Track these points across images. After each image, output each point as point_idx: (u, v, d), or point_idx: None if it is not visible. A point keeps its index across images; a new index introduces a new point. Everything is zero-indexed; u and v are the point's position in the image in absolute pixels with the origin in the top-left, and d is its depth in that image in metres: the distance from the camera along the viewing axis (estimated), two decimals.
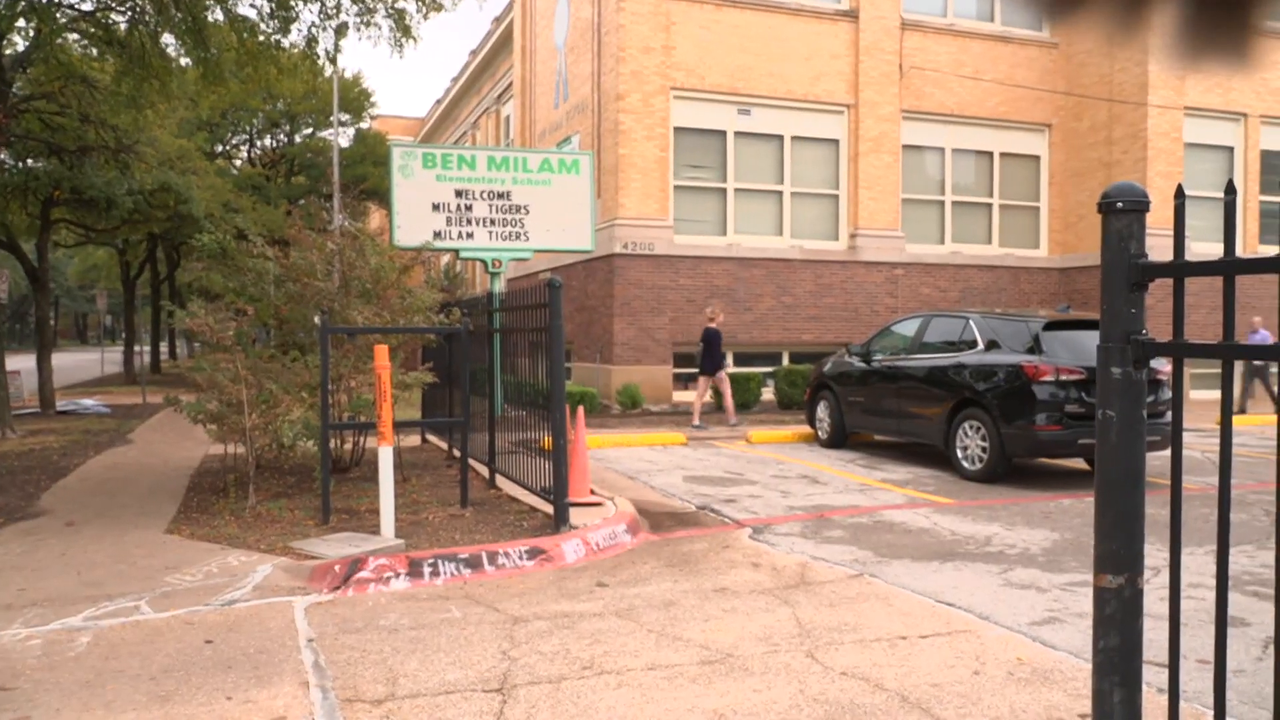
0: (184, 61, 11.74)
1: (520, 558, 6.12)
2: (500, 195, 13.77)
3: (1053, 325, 9.65)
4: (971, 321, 10.33)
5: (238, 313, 8.60)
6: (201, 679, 4.12)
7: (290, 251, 9.12)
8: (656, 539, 6.98)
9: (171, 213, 18.95)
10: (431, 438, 12.16)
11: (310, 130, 31.04)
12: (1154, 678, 3.78)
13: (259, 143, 31.84)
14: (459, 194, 13.60)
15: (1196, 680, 3.90)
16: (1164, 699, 2.21)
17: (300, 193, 30.21)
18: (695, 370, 14.91)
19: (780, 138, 17.60)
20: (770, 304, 17.26)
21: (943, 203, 18.70)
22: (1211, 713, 2.24)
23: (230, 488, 8.18)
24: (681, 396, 16.99)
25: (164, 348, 39.28)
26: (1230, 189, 2.01)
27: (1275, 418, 1.98)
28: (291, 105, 28.77)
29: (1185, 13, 0.69)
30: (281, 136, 31.37)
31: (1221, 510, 2.07)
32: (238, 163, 32.47)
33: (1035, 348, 9.43)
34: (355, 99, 30.92)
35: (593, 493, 8.08)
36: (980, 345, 10.01)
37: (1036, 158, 19.64)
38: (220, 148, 30.61)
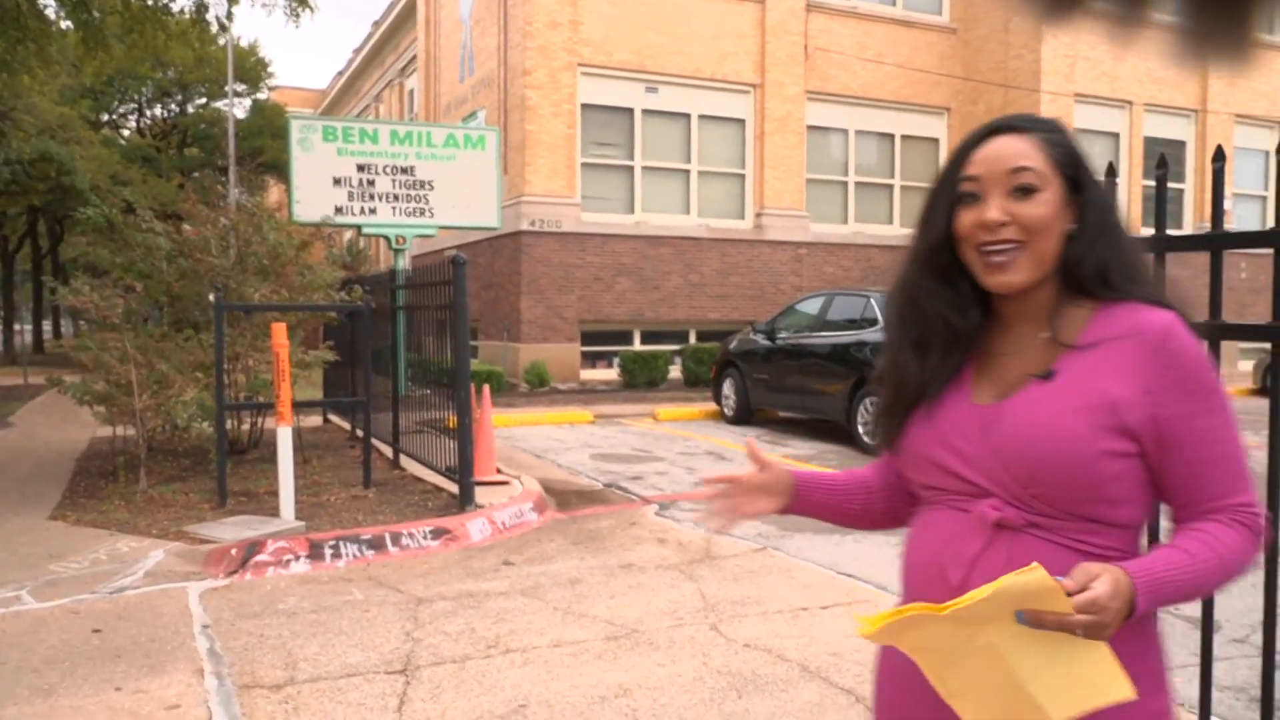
0: (65, 24, 11.14)
1: (425, 538, 6.05)
2: (404, 170, 13.49)
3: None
4: (873, 300, 10.57)
5: (126, 290, 8.25)
6: (89, 670, 3.97)
7: (184, 226, 8.78)
8: (563, 517, 6.99)
9: (53, 184, 18.04)
10: (334, 418, 11.92)
11: (204, 100, 29.88)
12: None
13: (149, 112, 30.53)
14: (361, 169, 13.27)
15: None
16: None
17: (194, 165, 29.08)
18: (605, 348, 14.93)
19: (687, 116, 17.65)
20: (678, 282, 17.36)
21: (846, 183, 19.05)
22: None
23: (120, 471, 7.87)
24: (589, 375, 17.00)
25: (47, 326, 37.51)
26: (1110, 172, 2.09)
27: None
28: (183, 74, 27.64)
29: (1185, 13, 0.70)
30: (173, 106, 30.13)
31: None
32: (126, 133, 31.07)
33: None
34: (252, 69, 29.88)
35: (499, 471, 8.03)
36: (881, 323, 10.25)
37: (936, 140, 20.14)
38: (106, 116, 29.24)
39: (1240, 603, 4.86)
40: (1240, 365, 20.47)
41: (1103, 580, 1.17)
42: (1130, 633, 1.26)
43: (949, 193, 1.41)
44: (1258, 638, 3.95)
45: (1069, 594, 1.15)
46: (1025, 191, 1.35)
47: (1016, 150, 1.36)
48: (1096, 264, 1.35)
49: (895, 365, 1.49)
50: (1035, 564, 1.16)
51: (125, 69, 24.39)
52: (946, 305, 1.43)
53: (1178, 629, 4.47)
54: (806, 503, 1.63)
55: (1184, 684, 3.83)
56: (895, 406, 1.48)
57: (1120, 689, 1.18)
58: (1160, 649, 1.39)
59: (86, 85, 25.23)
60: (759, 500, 1.60)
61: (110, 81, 26.61)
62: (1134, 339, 1.31)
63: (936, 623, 1.20)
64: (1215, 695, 3.60)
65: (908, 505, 1.57)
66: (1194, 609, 4.68)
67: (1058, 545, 1.31)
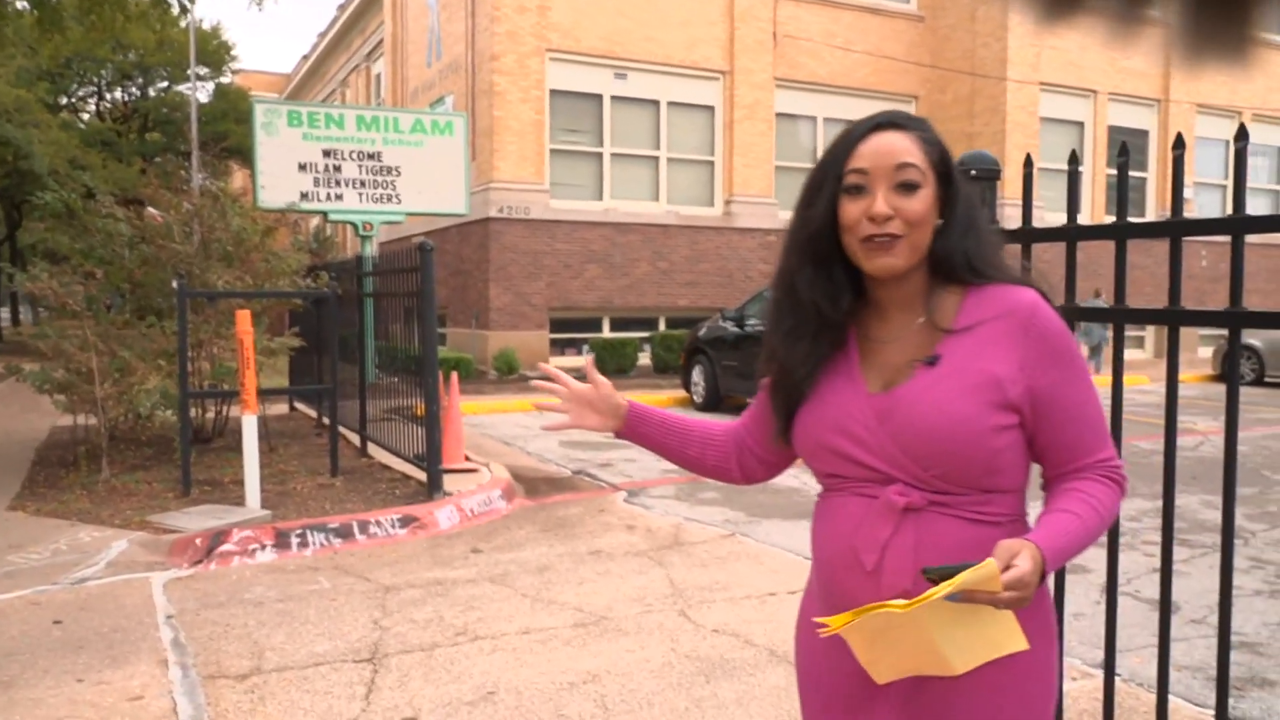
0: (21, 4, 10.90)
1: (392, 526, 6.02)
2: (371, 156, 13.36)
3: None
4: None
5: (86, 276, 8.12)
6: (49, 662, 3.91)
7: (146, 211, 8.64)
8: (532, 504, 6.98)
9: (10, 168, 17.70)
10: (300, 406, 11.81)
11: (166, 84, 29.36)
12: None
13: (109, 95, 29.96)
14: (327, 154, 13.13)
15: None
16: None
17: (156, 150, 28.62)
18: (574, 335, 14.88)
19: (657, 103, 17.61)
20: (646, 269, 17.35)
21: None
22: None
23: (81, 461, 7.75)
24: (558, 362, 16.95)
25: (5, 314, 36.85)
26: (1074, 159, 2.11)
27: (1119, 379, 2.11)
28: (144, 56, 27.13)
29: (1185, 13, 0.70)
30: (134, 89, 29.58)
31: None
32: (85, 116, 30.49)
33: None
34: (214, 52, 29.40)
35: (467, 459, 8.00)
36: None
37: None
38: (65, 100, 28.69)
39: (1199, 584, 4.96)
40: (1200, 352, 20.82)
41: (1023, 557, 1.27)
42: None
43: (833, 183, 1.46)
44: (1215, 618, 4.02)
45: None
46: (909, 187, 1.41)
47: (902, 147, 1.43)
48: (964, 255, 1.44)
49: (771, 354, 1.55)
50: (990, 560, 1.26)
51: (84, 51, 23.91)
52: (820, 293, 1.48)
53: (1139, 611, 4.54)
54: (637, 432, 1.73)
55: (1143, 664, 3.90)
56: (778, 396, 1.55)
57: (1017, 642, 1.32)
58: (1049, 603, 1.51)
59: (44, 67, 24.72)
60: (588, 415, 1.71)
61: (68, 64, 26.09)
62: (1006, 318, 1.41)
63: (894, 619, 1.27)
64: (1173, 675, 3.67)
65: (748, 468, 1.71)
66: (1154, 591, 4.76)
67: (959, 519, 1.41)
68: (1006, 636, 1.31)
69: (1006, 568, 1.26)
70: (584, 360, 1.79)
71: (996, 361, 1.40)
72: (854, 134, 1.46)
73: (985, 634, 1.31)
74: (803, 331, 1.50)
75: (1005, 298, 1.43)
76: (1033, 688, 1.45)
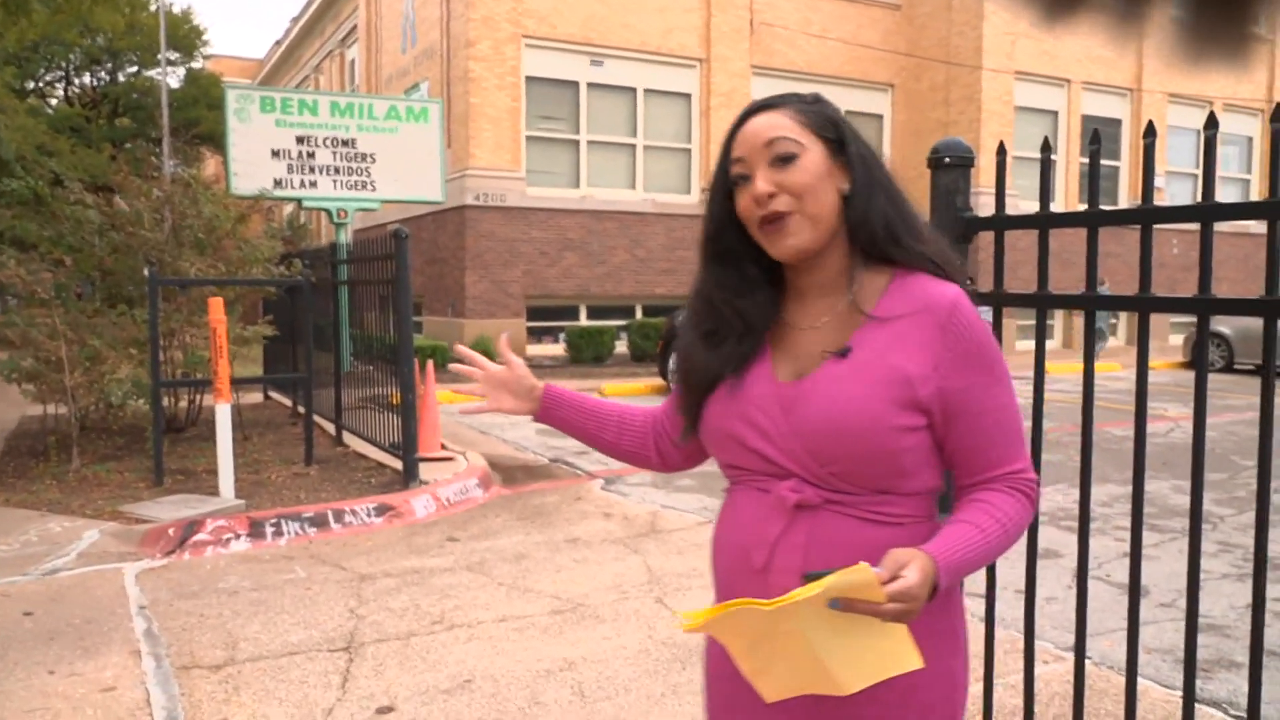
0: None
1: (368, 515, 6.00)
2: (345, 143, 13.24)
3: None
4: None
5: (55, 263, 8.01)
6: (20, 653, 3.87)
7: (115, 199, 8.53)
8: (509, 492, 6.97)
9: None
10: (275, 395, 11.72)
11: (135, 69, 28.93)
12: (977, 607, 4.05)
13: (77, 80, 29.51)
14: (300, 140, 12.99)
15: (1014, 608, 4.20)
16: (984, 628, 2.36)
17: (126, 136, 28.21)
18: (551, 323, 14.85)
19: (633, 90, 17.55)
20: (624, 257, 17.32)
21: None
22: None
23: (51, 450, 7.66)
24: (535, 350, 16.92)
25: None
26: (1046, 147, 2.12)
27: (1097, 366, 2.12)
28: (113, 41, 26.72)
29: (1185, 13, 0.70)
30: (103, 74, 29.14)
31: (1034, 450, 2.21)
32: (53, 102, 30.01)
33: None
34: (185, 36, 29.00)
35: (444, 447, 7.98)
36: None
37: (880, 116, 20.29)
38: (32, 84, 28.22)
39: (1168, 568, 5.03)
40: (1171, 339, 21.07)
41: (912, 569, 1.20)
42: (933, 602, 1.32)
43: (723, 182, 1.43)
44: (1184, 602, 4.09)
45: (882, 583, 1.19)
46: (785, 160, 1.37)
47: (770, 124, 1.39)
48: (882, 220, 1.37)
49: (686, 356, 1.50)
50: (864, 564, 1.19)
51: (51, 35, 23.49)
52: (733, 292, 1.44)
53: (1109, 595, 4.60)
54: (553, 416, 1.68)
55: (1114, 648, 3.95)
56: (689, 396, 1.50)
57: (911, 660, 1.23)
58: (959, 612, 1.45)
59: (10, 51, 24.28)
60: (504, 398, 1.66)
61: (35, 48, 25.64)
62: (924, 314, 1.34)
63: (757, 616, 1.21)
64: (1143, 657, 3.73)
65: (666, 455, 1.65)
66: (1124, 575, 4.82)
67: (855, 519, 1.34)
68: (899, 653, 1.24)
69: (895, 578, 1.19)
70: (502, 341, 1.77)
71: (908, 358, 1.33)
72: (731, 129, 1.43)
73: (874, 648, 1.24)
74: (724, 333, 1.45)
75: (927, 292, 1.35)
76: (935, 700, 1.38)
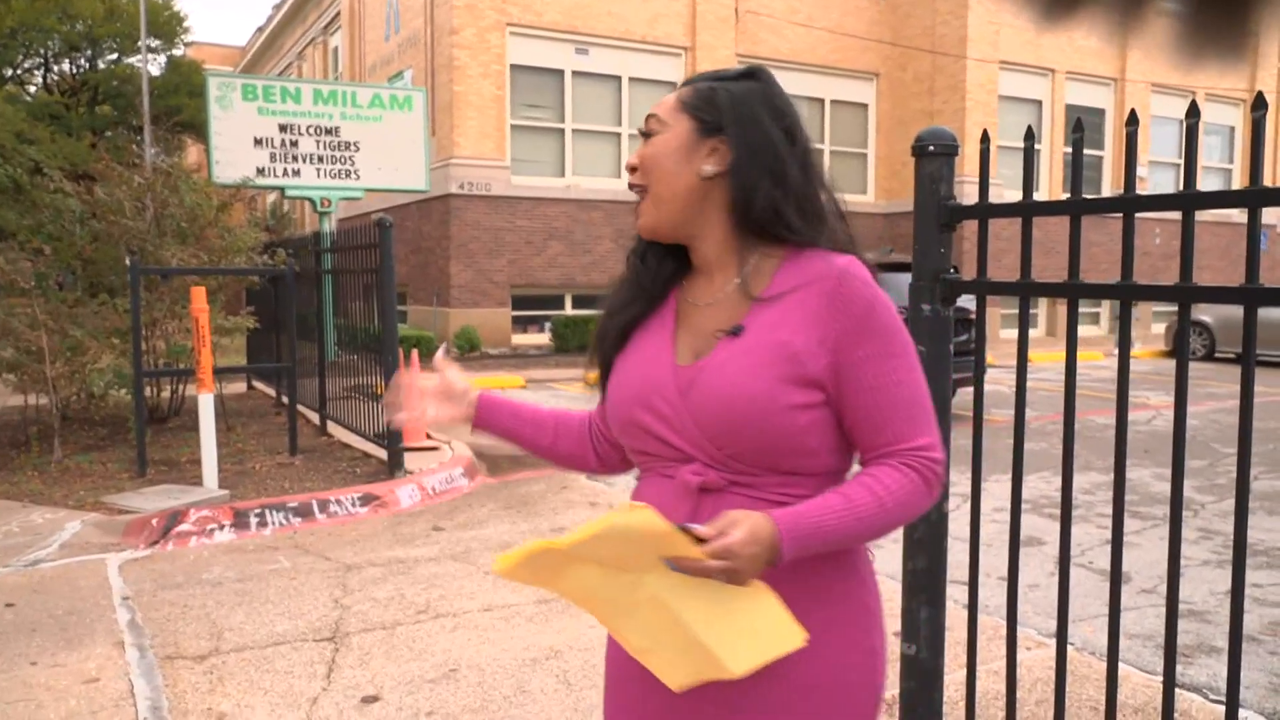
0: None
1: (353, 505, 5.98)
2: (328, 131, 13.17)
3: (877, 267, 10.05)
4: None
5: (35, 253, 7.93)
6: (1, 645, 3.85)
7: (95, 188, 8.45)
8: (494, 482, 6.96)
9: None
10: (259, 385, 11.66)
11: (115, 56, 28.61)
12: (961, 594, 4.08)
13: (56, 68, 29.16)
14: (283, 129, 12.91)
15: (998, 595, 4.23)
16: (966, 614, 2.38)
17: (106, 124, 27.93)
18: (536, 313, 14.83)
19: (618, 79, 17.50)
20: (609, 246, 17.30)
21: None
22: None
23: (33, 441, 7.61)
24: (520, 339, 16.89)
25: None
26: (1029, 136, 2.12)
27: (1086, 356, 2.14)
28: (92, 27, 26.40)
29: (1185, 12, 0.70)
30: (83, 62, 28.81)
31: (1017, 438, 2.22)
32: (32, 89, 29.67)
33: None
34: (166, 23, 28.68)
35: (429, 436, 7.96)
36: None
37: (865, 106, 20.31)
38: (10, 71, 27.89)
39: (1149, 555, 5.07)
40: (1154, 328, 21.20)
41: (740, 528, 1.18)
42: (836, 575, 1.33)
43: None
44: (1164, 588, 4.12)
45: (706, 540, 1.17)
46: (646, 136, 1.41)
47: (659, 101, 1.43)
48: (765, 203, 1.34)
49: (597, 327, 1.52)
50: (643, 504, 1.18)
51: (29, 21, 23.26)
52: (639, 260, 1.47)
53: (1091, 581, 4.64)
54: (487, 423, 1.63)
55: (1096, 633, 3.99)
56: (600, 365, 1.50)
57: (792, 638, 1.21)
58: (871, 589, 1.41)
59: None
60: (442, 405, 1.61)
61: (13, 34, 25.35)
62: (812, 286, 1.31)
63: (558, 558, 1.20)
64: (1124, 643, 3.76)
65: (605, 457, 1.61)
66: (1106, 562, 4.85)
67: (762, 501, 1.30)
68: (777, 629, 1.21)
69: (720, 535, 1.17)
70: (439, 352, 1.74)
71: (797, 333, 1.29)
72: None
73: (750, 625, 1.21)
74: (626, 300, 1.47)
75: (815, 265, 1.32)
76: (851, 680, 1.34)
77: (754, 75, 1.42)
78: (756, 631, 1.21)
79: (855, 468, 1.38)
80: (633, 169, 1.40)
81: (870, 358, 1.29)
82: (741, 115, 1.36)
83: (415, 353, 8.48)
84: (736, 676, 1.22)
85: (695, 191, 1.36)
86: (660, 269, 1.45)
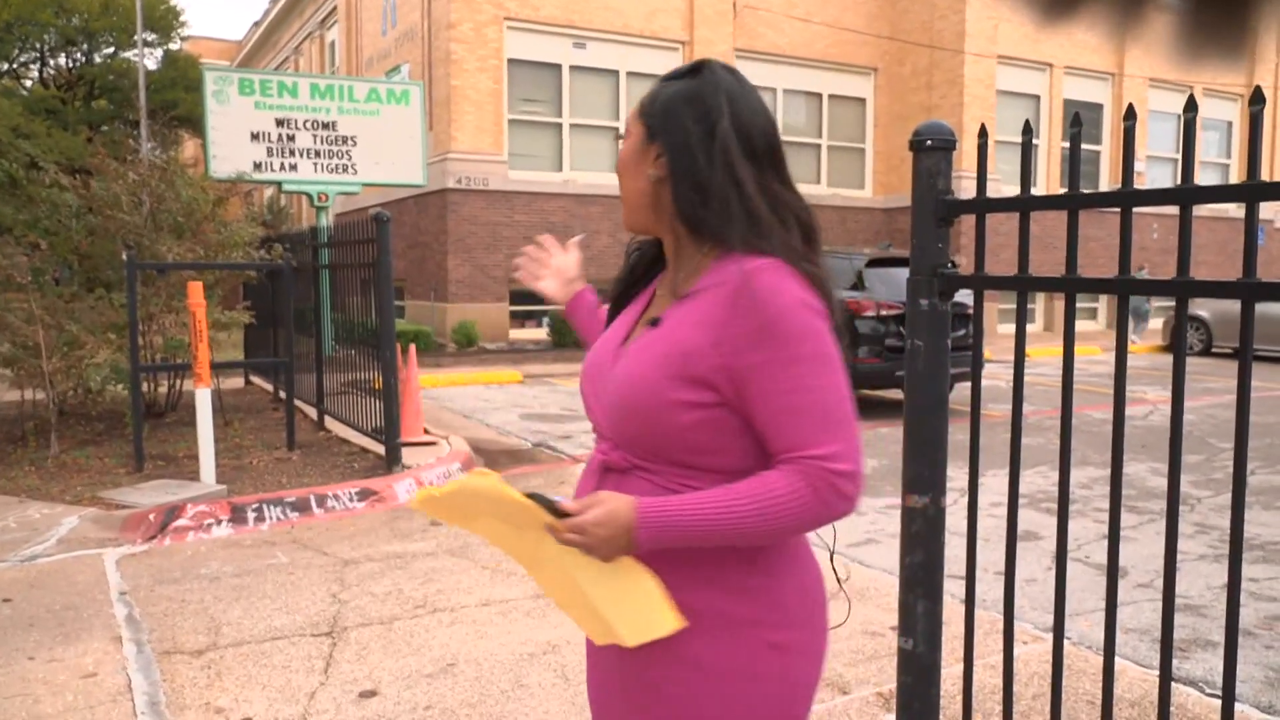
0: None
1: (350, 500, 5.98)
2: (325, 126, 13.14)
3: (875, 262, 10.07)
4: None
5: (31, 247, 7.92)
6: None
7: (92, 182, 8.43)
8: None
9: None
10: (256, 380, 11.65)
11: (112, 50, 28.52)
12: (958, 589, 4.09)
13: (52, 62, 29.07)
14: (280, 123, 12.88)
15: (995, 589, 4.24)
16: (964, 608, 2.38)
17: (103, 118, 27.84)
18: (534, 307, 14.81)
19: (616, 73, 17.48)
20: (607, 241, 17.27)
21: None
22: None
23: (29, 436, 7.60)
24: (518, 334, 16.89)
25: None
26: (1027, 130, 2.12)
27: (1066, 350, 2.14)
28: (88, 21, 26.32)
29: (1185, 12, 0.70)
30: (79, 56, 28.71)
31: (1014, 433, 2.22)
32: (28, 83, 29.58)
33: (858, 284, 9.83)
34: (162, 17, 28.59)
35: (426, 432, 7.96)
36: None
37: (863, 100, 20.29)
38: (6, 65, 27.82)
39: (1146, 550, 5.08)
40: (1151, 323, 21.20)
41: (598, 508, 1.26)
42: (745, 569, 1.34)
43: None
44: (1161, 583, 4.14)
45: (571, 514, 1.27)
46: (619, 143, 1.47)
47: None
48: (684, 204, 1.36)
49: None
50: (487, 471, 1.35)
51: (25, 15, 23.18)
52: (630, 248, 1.60)
53: (1088, 576, 4.65)
54: (574, 312, 1.86)
55: (1092, 628, 3.99)
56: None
57: (666, 621, 1.28)
58: (794, 586, 1.40)
59: None
60: (557, 283, 1.88)
61: (9, 28, 25.26)
62: (720, 288, 1.31)
63: (464, 505, 1.36)
64: (1121, 637, 3.77)
65: None
66: (1103, 556, 4.86)
67: (661, 488, 1.34)
68: (655, 610, 1.28)
69: (582, 512, 1.27)
70: (576, 240, 1.99)
71: (694, 333, 1.30)
72: None
73: (635, 604, 1.29)
74: (616, 286, 1.60)
75: (731, 266, 1.31)
76: (757, 669, 1.35)
77: (695, 72, 1.42)
78: (638, 609, 1.30)
79: None
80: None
81: (767, 363, 1.27)
82: (668, 118, 1.39)
83: (413, 347, 8.48)
84: (630, 646, 1.33)
85: (649, 195, 1.42)
86: (643, 258, 1.55)
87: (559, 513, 1.29)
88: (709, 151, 1.35)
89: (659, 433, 1.32)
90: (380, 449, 6.92)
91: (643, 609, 1.30)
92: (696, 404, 1.30)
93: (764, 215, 1.34)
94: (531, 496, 1.30)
